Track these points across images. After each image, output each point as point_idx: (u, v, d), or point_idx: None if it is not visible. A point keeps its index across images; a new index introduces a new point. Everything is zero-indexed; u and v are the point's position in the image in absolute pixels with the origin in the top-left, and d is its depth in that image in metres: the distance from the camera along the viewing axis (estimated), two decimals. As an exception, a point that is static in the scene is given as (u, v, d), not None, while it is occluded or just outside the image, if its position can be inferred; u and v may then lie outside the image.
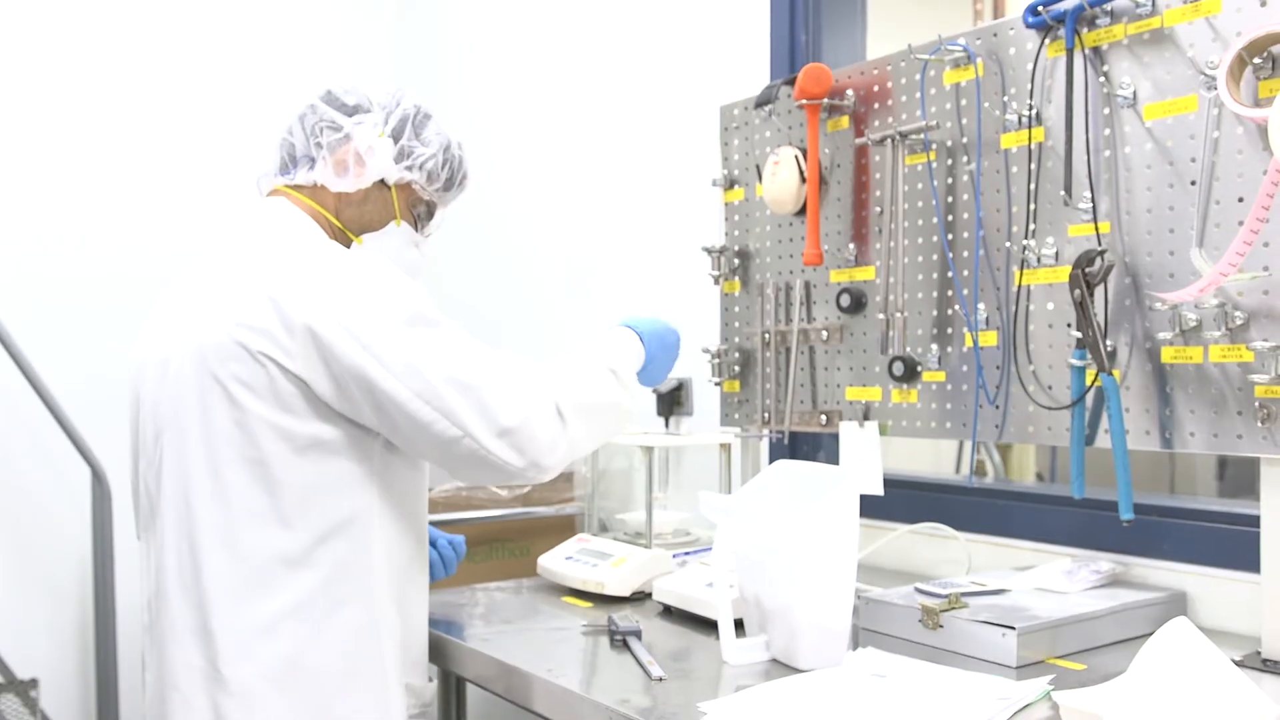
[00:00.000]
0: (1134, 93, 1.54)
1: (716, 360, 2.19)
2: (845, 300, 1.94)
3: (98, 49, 3.09)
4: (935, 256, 1.81)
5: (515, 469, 1.41)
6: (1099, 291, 1.55)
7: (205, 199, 3.15)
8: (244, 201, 1.63)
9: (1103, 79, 1.57)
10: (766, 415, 2.10)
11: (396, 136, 1.56)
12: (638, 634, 1.56)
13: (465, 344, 1.43)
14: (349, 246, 1.57)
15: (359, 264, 1.43)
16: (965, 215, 1.77)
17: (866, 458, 1.89)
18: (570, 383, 1.49)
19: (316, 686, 1.40)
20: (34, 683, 2.86)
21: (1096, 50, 1.58)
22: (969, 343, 1.75)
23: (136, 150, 3.14)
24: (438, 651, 1.66)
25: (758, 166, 2.11)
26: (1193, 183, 1.48)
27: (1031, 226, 1.66)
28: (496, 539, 2.34)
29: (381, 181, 1.56)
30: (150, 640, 1.48)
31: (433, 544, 1.73)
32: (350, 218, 1.57)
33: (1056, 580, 1.63)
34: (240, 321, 1.38)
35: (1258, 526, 1.45)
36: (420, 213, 1.64)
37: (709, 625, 1.59)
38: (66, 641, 3.05)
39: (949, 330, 1.80)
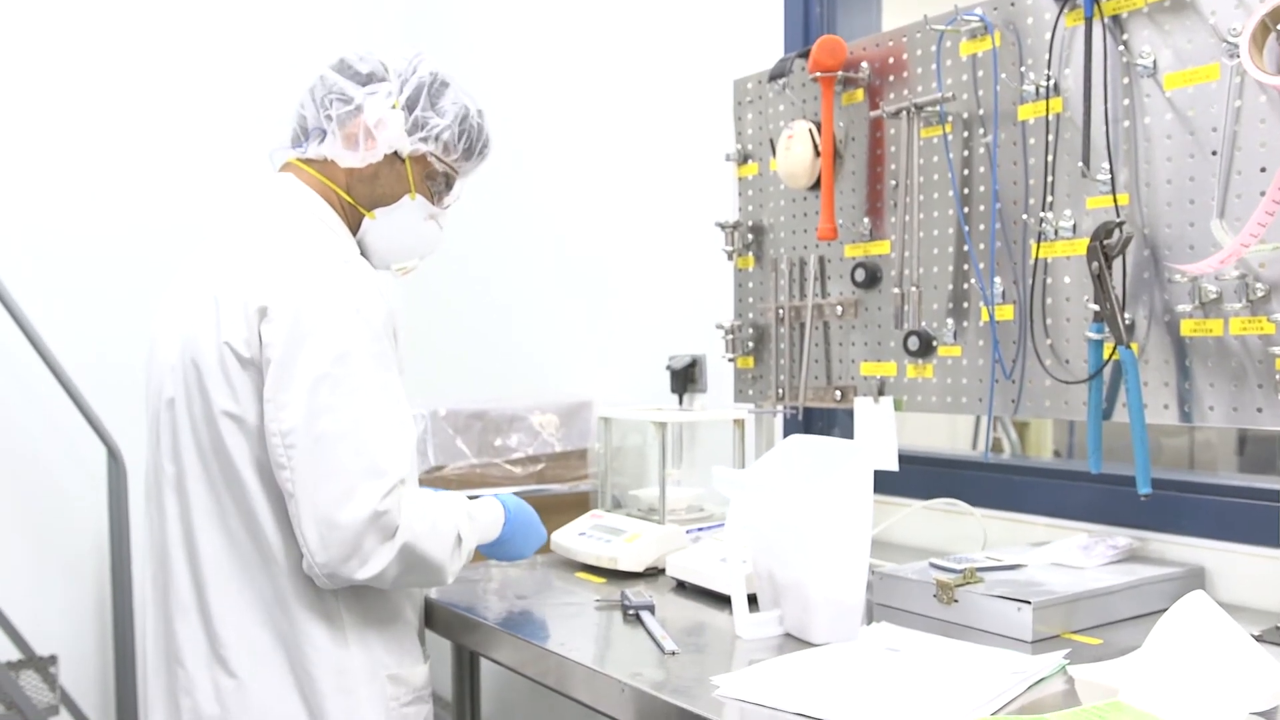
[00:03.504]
0: (1154, 62, 1.51)
1: (730, 336, 2.18)
2: (860, 275, 1.92)
3: (109, 36, 3.08)
4: (951, 230, 1.79)
5: (314, 561, 1.32)
6: (1117, 264, 1.53)
7: (219, 179, 3.14)
8: (254, 178, 1.61)
9: (1122, 48, 1.55)
10: (781, 391, 2.08)
11: (411, 106, 1.50)
12: (651, 609, 1.55)
13: (370, 419, 1.33)
14: (360, 222, 1.55)
15: (337, 277, 1.38)
16: (982, 188, 1.75)
17: (881, 433, 1.87)
18: (423, 528, 1.38)
19: (300, 674, 1.40)
20: (53, 659, 2.89)
21: (1116, 19, 1.55)
22: (985, 317, 1.73)
23: (150, 132, 3.13)
24: (451, 627, 1.66)
25: (771, 140, 2.09)
26: (1214, 153, 1.45)
27: (1049, 198, 1.64)
28: (510, 516, 2.34)
29: (395, 154, 1.52)
30: (156, 613, 1.49)
31: None
32: (361, 193, 1.53)
33: (1073, 555, 1.62)
34: (215, 308, 1.38)
35: (1277, 501, 1.44)
36: (438, 184, 1.58)
37: (722, 600, 1.59)
38: (85, 618, 3.07)
39: (965, 304, 1.78)
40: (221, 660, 1.40)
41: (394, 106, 1.49)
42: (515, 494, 1.71)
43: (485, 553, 1.65)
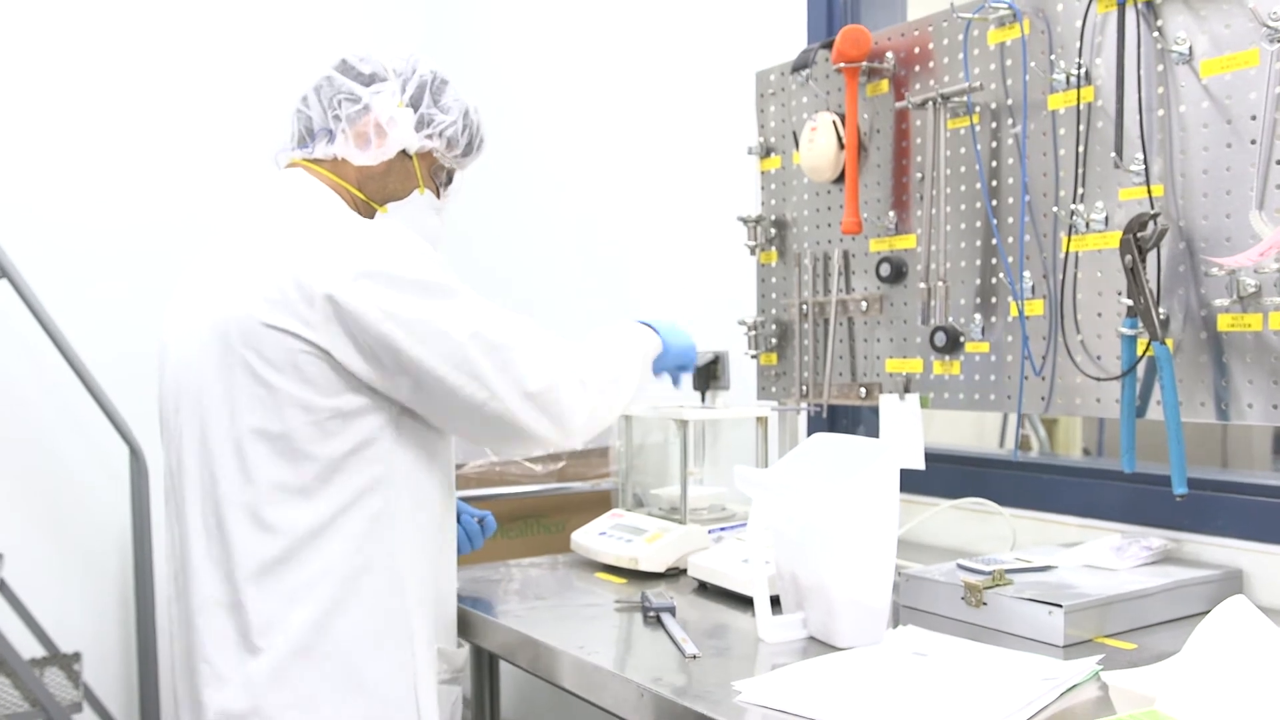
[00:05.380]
0: (1190, 48, 1.47)
1: (753, 332, 2.15)
2: (885, 270, 1.89)
3: (126, 29, 3.09)
4: (979, 223, 1.75)
5: (541, 433, 1.43)
6: (1151, 257, 1.49)
7: (239, 174, 3.14)
8: (263, 176, 1.61)
9: (1156, 34, 1.50)
10: (804, 388, 2.05)
11: (415, 105, 1.53)
12: (671, 610, 1.53)
13: (485, 308, 1.43)
14: (372, 217, 1.56)
15: (377, 232, 1.41)
16: (1010, 180, 1.71)
17: (907, 431, 1.84)
18: (592, 354, 1.51)
19: (345, 653, 1.39)
20: (77, 656, 2.90)
21: (1150, 4, 1.51)
22: (1014, 312, 1.69)
23: (171, 130, 3.14)
24: (471, 627, 1.64)
25: (794, 133, 2.06)
26: (1252, 141, 1.41)
27: (1080, 190, 1.60)
28: (531, 515, 2.32)
29: (403, 151, 1.54)
30: (178, 613, 1.48)
31: (458, 519, 1.71)
32: (373, 190, 1.55)
33: (1105, 557, 1.58)
34: (261, 296, 1.37)
35: (1319, 501, 1.39)
36: (440, 179, 1.62)
37: (744, 602, 1.56)
38: (108, 616, 3.09)
39: (993, 299, 1.74)
40: (254, 650, 1.39)
41: (400, 105, 1.52)
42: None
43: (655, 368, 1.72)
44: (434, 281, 1.39)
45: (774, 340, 2.14)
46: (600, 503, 2.32)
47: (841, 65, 1.87)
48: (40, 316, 2.71)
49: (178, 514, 1.47)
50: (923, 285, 1.81)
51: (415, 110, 1.53)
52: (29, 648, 2.85)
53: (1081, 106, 1.59)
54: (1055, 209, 1.64)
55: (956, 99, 1.75)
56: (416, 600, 1.44)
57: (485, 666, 1.94)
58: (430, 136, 1.54)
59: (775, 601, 1.46)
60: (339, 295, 1.34)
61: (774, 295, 2.15)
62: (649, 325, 1.71)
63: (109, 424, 2.85)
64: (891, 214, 1.89)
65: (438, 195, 1.61)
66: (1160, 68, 1.51)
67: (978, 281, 1.76)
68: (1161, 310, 1.49)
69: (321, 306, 1.34)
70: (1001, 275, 1.72)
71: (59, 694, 2.64)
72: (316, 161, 1.54)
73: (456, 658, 1.54)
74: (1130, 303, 1.49)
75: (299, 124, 1.56)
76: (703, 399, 2.29)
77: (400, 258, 1.38)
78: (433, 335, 1.37)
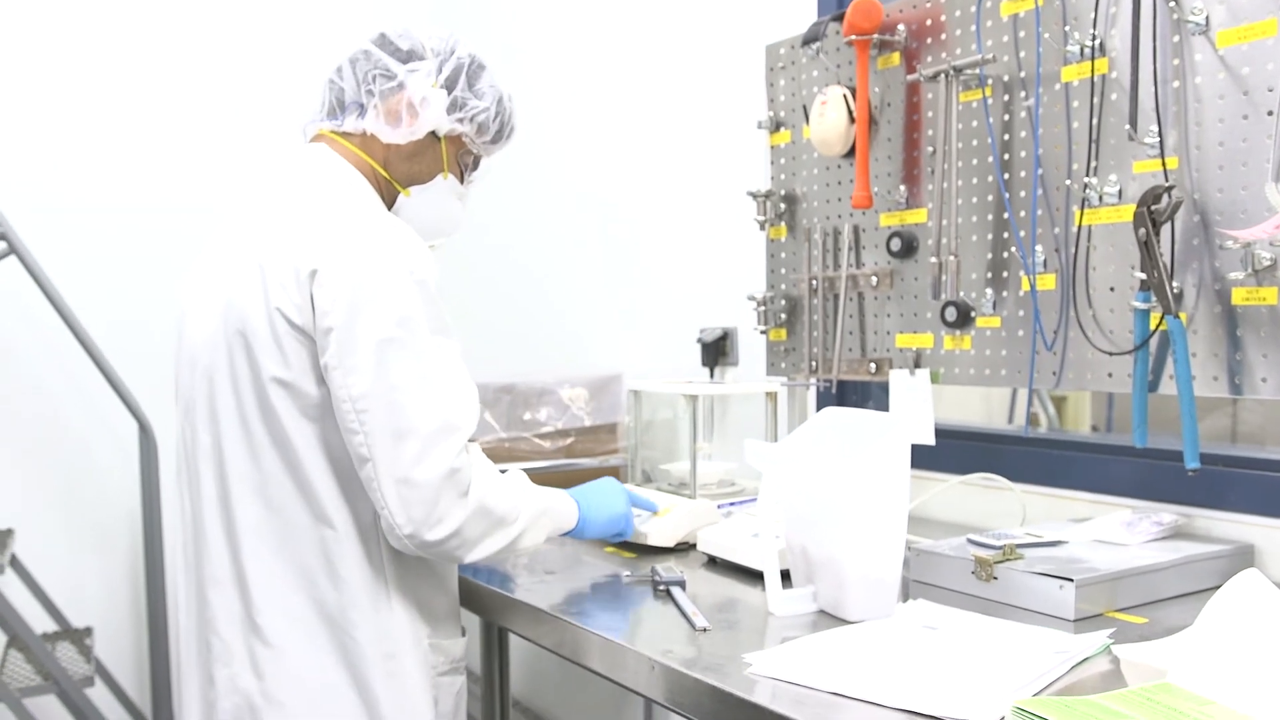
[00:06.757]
0: (1206, 18, 1.45)
1: (762, 308, 2.14)
2: (896, 244, 1.88)
3: (140, 10, 3.07)
4: (990, 197, 1.74)
5: (394, 523, 1.33)
6: (1165, 230, 1.48)
7: (246, 151, 3.13)
8: (286, 147, 1.60)
9: (1172, 4, 1.49)
10: (814, 364, 2.05)
11: (450, 87, 1.52)
12: (681, 584, 1.53)
13: (438, 377, 1.35)
14: (395, 198, 1.56)
15: (388, 241, 1.38)
16: (1023, 153, 1.69)
17: (917, 407, 1.83)
18: (495, 485, 1.40)
19: (344, 640, 1.39)
20: (89, 631, 2.92)
21: (1166, -26, 1.49)
22: (1026, 286, 1.68)
23: (178, 105, 3.13)
24: (480, 602, 1.65)
25: (805, 107, 2.04)
26: (1269, 113, 1.40)
27: (1093, 163, 1.59)
28: (540, 490, 2.32)
29: (432, 133, 1.53)
30: (188, 582, 1.49)
31: None
32: (399, 170, 1.54)
33: (1116, 532, 1.57)
34: (262, 274, 1.38)
35: (1333, 476, 1.38)
36: (466, 164, 1.61)
37: (754, 576, 1.56)
38: (119, 590, 3.11)
39: (1005, 274, 1.73)
40: (258, 629, 1.40)
41: (434, 85, 1.50)
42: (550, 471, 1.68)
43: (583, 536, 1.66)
44: (405, 318, 1.33)
45: (784, 316, 2.13)
46: (609, 478, 2.32)
47: (852, 38, 1.85)
48: (49, 292, 2.71)
49: (191, 486, 1.47)
50: (934, 260, 1.80)
51: (449, 92, 1.51)
52: (41, 623, 2.87)
53: (1096, 78, 1.58)
54: (1068, 182, 1.63)
55: (969, 71, 1.74)
56: (410, 595, 1.44)
57: (495, 641, 1.94)
58: (461, 120, 1.53)
59: (785, 575, 1.46)
60: (317, 279, 1.33)
61: (784, 270, 2.14)
62: (576, 498, 1.62)
63: (118, 400, 2.85)
64: (902, 188, 1.88)
65: (461, 180, 1.60)
66: (1176, 38, 1.49)
67: (989, 256, 1.75)
68: (1175, 284, 1.48)
69: (305, 287, 1.34)
70: (1013, 249, 1.71)
71: (71, 668, 2.66)
72: (345, 135, 1.53)
73: (454, 649, 1.51)
74: (1143, 276, 1.48)
75: (330, 95, 1.55)
76: (711, 374, 2.29)
77: (392, 276, 1.34)
78: (358, 370, 1.31)
